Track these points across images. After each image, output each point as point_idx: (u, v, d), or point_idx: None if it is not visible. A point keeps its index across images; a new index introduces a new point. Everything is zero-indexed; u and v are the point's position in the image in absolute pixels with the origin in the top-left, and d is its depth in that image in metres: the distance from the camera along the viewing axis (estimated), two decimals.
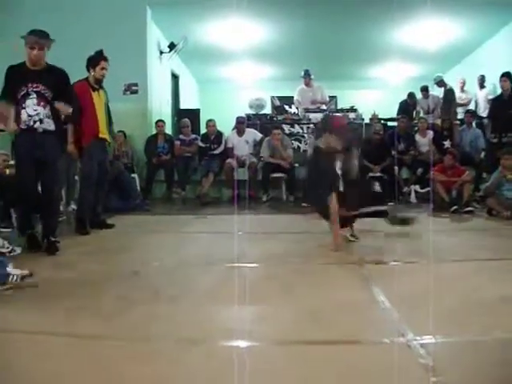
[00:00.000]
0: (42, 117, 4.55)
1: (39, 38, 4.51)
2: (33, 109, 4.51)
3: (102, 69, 5.58)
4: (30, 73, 4.56)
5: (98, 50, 5.67)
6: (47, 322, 2.76)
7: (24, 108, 4.51)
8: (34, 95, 4.52)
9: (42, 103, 4.54)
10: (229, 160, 8.95)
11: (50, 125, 4.60)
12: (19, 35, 4.58)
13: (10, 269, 3.62)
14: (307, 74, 10.61)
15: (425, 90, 10.82)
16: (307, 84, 10.71)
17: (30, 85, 4.51)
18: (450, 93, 10.42)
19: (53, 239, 4.61)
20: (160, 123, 9.39)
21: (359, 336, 2.53)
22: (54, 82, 4.61)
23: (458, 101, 10.84)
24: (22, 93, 4.50)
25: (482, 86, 10.79)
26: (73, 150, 5.56)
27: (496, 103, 7.95)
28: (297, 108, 11.36)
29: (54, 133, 4.66)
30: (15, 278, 3.57)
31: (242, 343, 2.44)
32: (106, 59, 5.61)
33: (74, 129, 5.52)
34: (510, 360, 2.27)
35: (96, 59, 5.59)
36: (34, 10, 8.93)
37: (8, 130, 4.73)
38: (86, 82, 5.58)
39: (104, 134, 5.73)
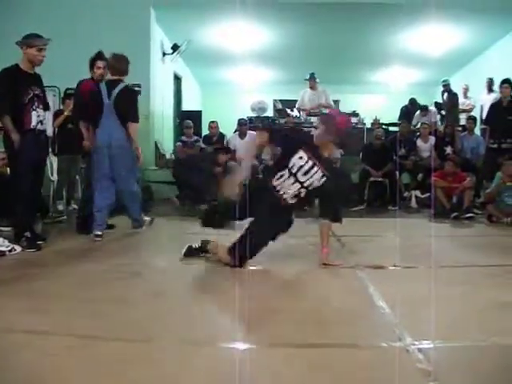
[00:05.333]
0: (41, 119, 4.79)
1: (46, 40, 4.65)
2: (37, 111, 4.71)
3: (98, 68, 5.54)
4: (29, 76, 4.71)
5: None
6: (46, 322, 2.75)
7: (35, 110, 4.67)
8: (36, 98, 4.71)
9: (40, 106, 4.77)
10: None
11: (45, 127, 4.93)
12: (22, 36, 4.61)
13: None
14: (312, 77, 10.56)
15: (425, 109, 10.80)
16: (312, 87, 10.62)
17: (33, 87, 4.69)
18: (454, 98, 10.46)
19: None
20: None
21: (357, 340, 2.54)
22: (41, 85, 4.88)
23: (461, 107, 10.83)
24: (29, 96, 4.63)
25: (490, 89, 10.32)
26: (89, 146, 5.44)
27: (494, 110, 7.85)
28: (298, 111, 11.31)
29: (46, 134, 5.06)
30: (147, 221, 5.69)
31: (242, 345, 2.44)
32: (101, 58, 5.56)
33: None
34: (509, 366, 2.28)
35: (93, 60, 5.59)
36: (37, 11, 9.00)
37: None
38: (90, 81, 5.57)
39: None
